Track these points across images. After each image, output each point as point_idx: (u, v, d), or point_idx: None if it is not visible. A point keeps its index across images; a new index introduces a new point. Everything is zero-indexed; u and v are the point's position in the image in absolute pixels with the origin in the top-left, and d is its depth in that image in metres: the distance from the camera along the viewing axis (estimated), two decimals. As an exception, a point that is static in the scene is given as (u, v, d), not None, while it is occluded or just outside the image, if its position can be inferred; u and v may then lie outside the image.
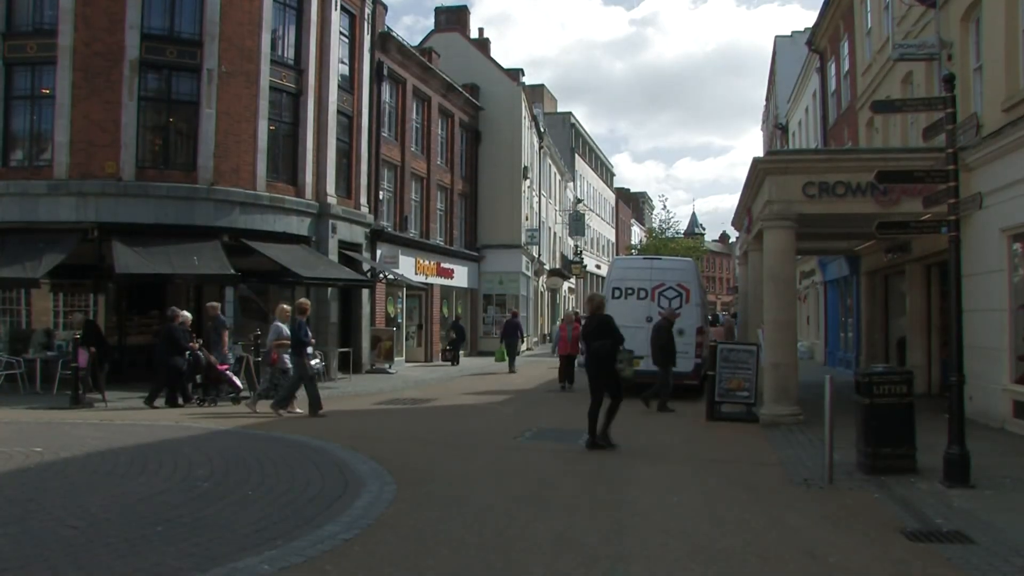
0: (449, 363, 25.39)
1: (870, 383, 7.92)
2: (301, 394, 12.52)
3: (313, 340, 12.64)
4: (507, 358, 22.86)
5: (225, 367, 13.95)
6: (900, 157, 11.23)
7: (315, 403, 12.20)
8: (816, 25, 22.79)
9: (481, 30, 36.60)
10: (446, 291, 28.97)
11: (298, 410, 12.36)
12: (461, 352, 26.27)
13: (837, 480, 7.60)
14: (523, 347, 26.28)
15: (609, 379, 9.43)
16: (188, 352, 13.56)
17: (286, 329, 12.51)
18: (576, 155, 51.47)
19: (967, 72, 11.68)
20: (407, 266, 24.51)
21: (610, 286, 15.85)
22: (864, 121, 18.29)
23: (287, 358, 12.59)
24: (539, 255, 37.08)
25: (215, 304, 14.64)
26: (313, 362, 13.46)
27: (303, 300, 13.33)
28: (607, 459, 8.99)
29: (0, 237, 16.04)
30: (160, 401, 13.28)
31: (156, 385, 13.47)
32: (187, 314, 13.97)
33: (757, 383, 12.26)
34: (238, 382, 14.10)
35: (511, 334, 22.96)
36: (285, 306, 13.12)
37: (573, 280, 49.60)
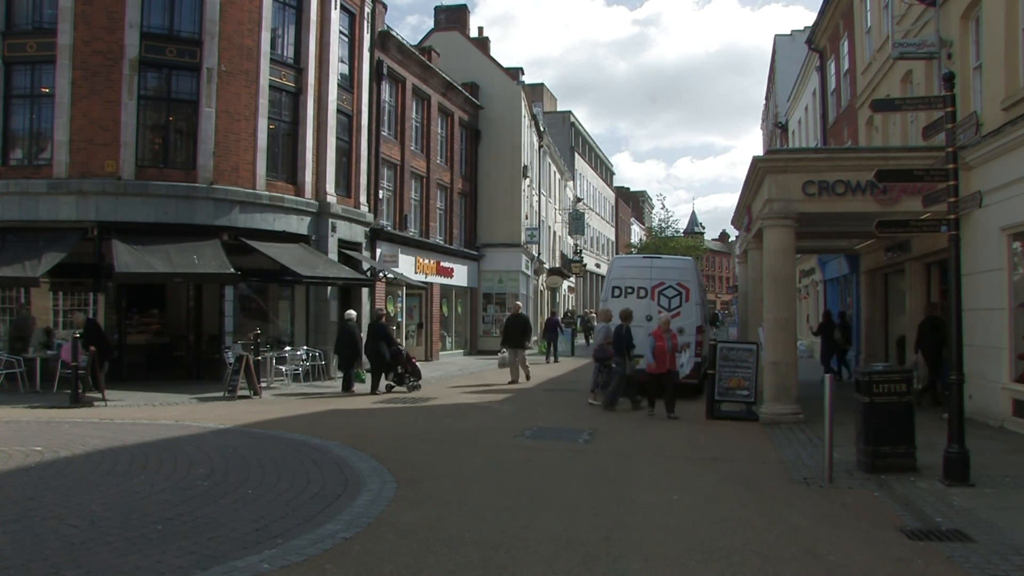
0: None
1: (870, 382, 7.93)
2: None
3: (635, 345, 13.80)
4: (548, 351, 26.63)
5: (414, 359, 16.71)
6: (900, 156, 11.24)
7: (620, 397, 13.36)
8: (816, 24, 22.77)
9: (481, 29, 36.58)
10: (446, 290, 28.94)
11: (596, 402, 13.93)
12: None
13: (837, 478, 7.61)
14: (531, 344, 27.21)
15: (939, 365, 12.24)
16: (392, 346, 15.84)
17: (612, 329, 13.87)
18: (576, 154, 51.42)
19: (967, 71, 11.68)
20: (407, 265, 24.49)
21: (610, 285, 15.85)
22: (864, 120, 18.29)
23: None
24: (539, 254, 37.03)
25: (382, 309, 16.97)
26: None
27: (627, 308, 14.16)
28: (607, 458, 9.01)
29: (0, 236, 16.06)
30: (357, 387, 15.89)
31: (376, 375, 15.97)
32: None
33: (757, 381, 12.27)
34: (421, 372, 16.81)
35: (551, 330, 27.18)
36: (605, 309, 14.84)
37: (573, 279, 49.57)
